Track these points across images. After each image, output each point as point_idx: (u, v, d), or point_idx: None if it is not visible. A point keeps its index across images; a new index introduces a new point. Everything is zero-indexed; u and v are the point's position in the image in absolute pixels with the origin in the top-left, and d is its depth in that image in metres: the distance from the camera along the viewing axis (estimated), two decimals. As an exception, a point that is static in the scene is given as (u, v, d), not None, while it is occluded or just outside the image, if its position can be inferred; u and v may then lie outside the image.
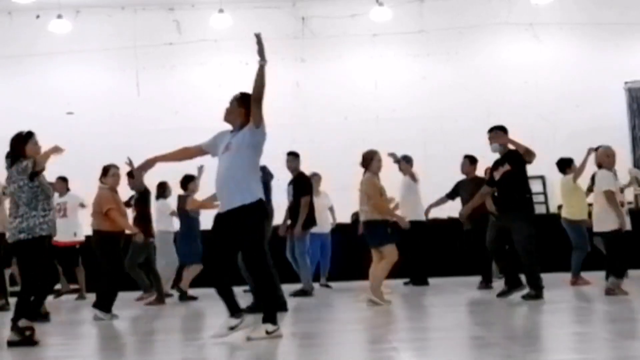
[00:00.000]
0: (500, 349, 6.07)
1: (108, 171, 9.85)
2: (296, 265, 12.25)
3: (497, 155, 9.95)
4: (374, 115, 15.77)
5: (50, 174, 8.04)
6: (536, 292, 9.47)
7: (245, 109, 7.33)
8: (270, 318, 6.93)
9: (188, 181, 12.23)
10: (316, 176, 13.57)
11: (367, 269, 12.47)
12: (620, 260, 9.81)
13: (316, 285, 13.40)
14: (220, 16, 16.02)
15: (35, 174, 7.28)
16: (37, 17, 16.24)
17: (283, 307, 9.06)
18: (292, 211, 12.00)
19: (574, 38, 16.39)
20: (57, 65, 16.10)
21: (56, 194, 12.72)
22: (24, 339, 7.08)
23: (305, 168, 13.16)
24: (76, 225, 12.91)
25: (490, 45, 16.51)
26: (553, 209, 15.18)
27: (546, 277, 13.16)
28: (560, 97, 16.01)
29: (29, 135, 7.50)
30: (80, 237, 12.94)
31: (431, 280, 12.98)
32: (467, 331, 7.64)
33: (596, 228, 10.10)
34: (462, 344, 6.71)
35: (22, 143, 7.43)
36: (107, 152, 14.57)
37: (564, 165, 12.22)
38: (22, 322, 7.14)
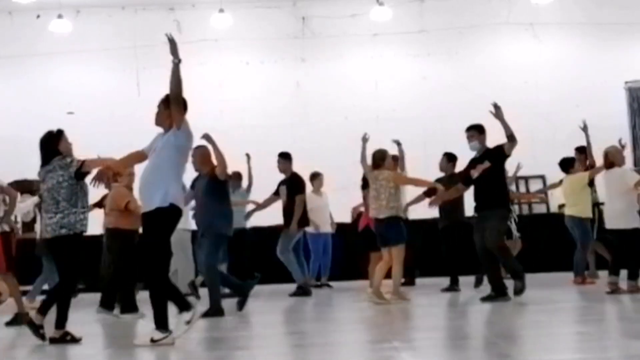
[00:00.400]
0: (500, 348, 6.07)
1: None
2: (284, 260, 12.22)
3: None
4: (374, 115, 15.76)
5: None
6: (522, 283, 9.46)
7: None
8: (158, 325, 6.78)
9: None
10: (319, 176, 13.58)
11: (366, 268, 12.55)
12: (637, 260, 9.82)
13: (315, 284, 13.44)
14: (221, 16, 16.02)
15: (82, 174, 7.38)
16: (38, 17, 16.23)
17: (220, 313, 9.15)
18: (286, 211, 12.05)
19: (574, 38, 16.38)
20: (57, 65, 16.10)
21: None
22: (63, 336, 7.21)
23: (306, 168, 13.17)
24: None
25: (490, 45, 16.50)
26: (553, 208, 15.17)
27: (547, 277, 13.21)
28: (560, 97, 16.00)
29: (60, 132, 7.59)
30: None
31: (418, 281, 13.01)
32: (467, 331, 7.65)
33: (613, 225, 10.10)
34: (463, 344, 6.72)
35: (56, 140, 7.51)
36: (107, 152, 14.58)
37: (567, 165, 12.23)
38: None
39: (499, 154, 9.81)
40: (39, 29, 16.09)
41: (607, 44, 16.18)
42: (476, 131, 10.04)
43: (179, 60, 7.08)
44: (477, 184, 9.91)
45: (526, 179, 15.57)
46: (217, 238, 9.31)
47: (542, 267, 13.79)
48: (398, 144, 11.78)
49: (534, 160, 13.64)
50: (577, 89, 15.99)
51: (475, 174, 9.90)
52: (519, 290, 9.45)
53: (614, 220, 10.06)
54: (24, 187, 13.13)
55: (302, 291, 11.88)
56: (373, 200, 10.13)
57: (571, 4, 16.38)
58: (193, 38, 16.16)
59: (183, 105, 7.11)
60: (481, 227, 9.81)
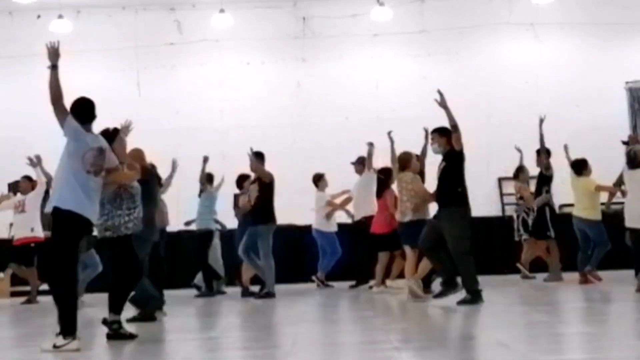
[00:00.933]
0: (500, 349, 6.07)
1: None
2: (247, 261, 12.00)
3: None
4: (374, 115, 15.76)
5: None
6: (472, 297, 9.10)
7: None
8: (62, 330, 6.62)
9: (243, 180, 12.29)
10: (323, 176, 13.60)
11: (366, 268, 12.56)
12: None
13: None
14: (221, 16, 16.01)
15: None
16: (38, 17, 16.23)
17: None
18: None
19: (574, 38, 16.38)
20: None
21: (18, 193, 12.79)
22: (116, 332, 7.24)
23: (306, 168, 13.19)
24: (34, 220, 12.49)
25: (490, 45, 16.50)
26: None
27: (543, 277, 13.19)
28: (560, 97, 15.99)
29: (116, 132, 7.59)
30: (38, 234, 12.47)
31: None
32: (467, 331, 7.65)
33: (635, 224, 10.10)
34: (463, 344, 6.71)
35: (108, 140, 7.36)
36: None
37: (581, 167, 12.19)
38: (110, 317, 7.26)
39: (455, 155, 9.58)
40: (39, 29, 16.07)
41: (607, 44, 16.18)
42: (437, 134, 9.91)
43: (53, 66, 7.36)
44: (437, 183, 9.71)
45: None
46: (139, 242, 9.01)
47: (543, 267, 13.77)
48: (370, 144, 11.89)
49: (534, 160, 13.61)
50: (577, 89, 15.99)
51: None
52: (466, 302, 9.08)
53: (637, 220, 10.06)
54: (17, 187, 13.17)
55: (268, 294, 11.67)
56: (398, 202, 10.19)
57: (572, 4, 16.38)
58: (193, 38, 16.19)
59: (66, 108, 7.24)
60: (433, 224, 9.60)
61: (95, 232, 7.50)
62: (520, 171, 13.48)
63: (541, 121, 12.37)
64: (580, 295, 10.78)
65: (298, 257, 14.05)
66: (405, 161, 10.46)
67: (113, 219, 7.31)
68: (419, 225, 10.03)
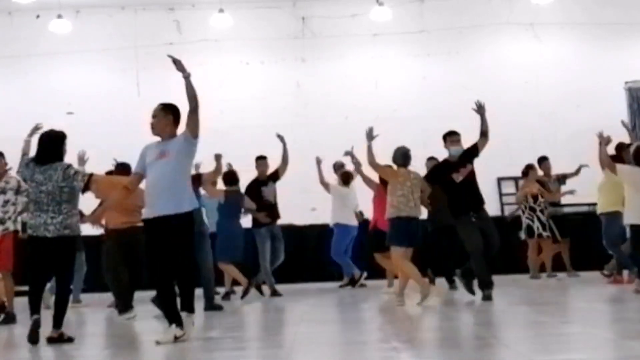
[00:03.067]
0: (500, 349, 6.07)
1: None
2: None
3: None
4: (374, 115, 15.65)
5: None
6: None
7: (173, 117, 7.44)
8: (177, 322, 6.97)
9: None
10: (341, 165, 13.55)
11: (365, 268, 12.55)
12: None
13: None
14: (221, 16, 16.01)
15: (85, 189, 7.49)
16: (38, 17, 16.23)
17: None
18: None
19: (574, 38, 16.38)
20: (57, 65, 16.10)
21: None
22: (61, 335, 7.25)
23: (306, 168, 13.16)
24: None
25: (490, 45, 16.50)
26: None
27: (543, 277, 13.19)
28: (560, 97, 16.00)
29: (65, 136, 7.56)
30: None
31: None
32: (467, 331, 7.65)
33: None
34: (463, 344, 6.71)
35: (61, 142, 7.49)
36: (107, 152, 14.55)
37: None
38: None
39: (474, 154, 9.99)
40: (39, 29, 16.09)
41: (607, 44, 16.18)
42: (459, 136, 10.25)
43: (189, 74, 7.42)
44: (465, 186, 9.85)
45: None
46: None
47: (542, 267, 13.77)
48: (348, 154, 11.96)
49: (534, 160, 13.63)
50: (577, 89, 15.99)
51: (459, 177, 9.88)
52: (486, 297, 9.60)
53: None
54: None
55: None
56: (404, 199, 9.95)
57: (572, 4, 16.38)
58: (193, 38, 16.19)
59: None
60: (485, 226, 9.81)
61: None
62: (531, 168, 13.42)
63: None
64: (581, 295, 10.78)
65: (298, 257, 14.03)
66: (408, 158, 10.28)
67: (71, 217, 7.36)
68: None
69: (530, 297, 10.71)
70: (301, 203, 13.90)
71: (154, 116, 7.36)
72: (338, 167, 13.47)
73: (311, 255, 14.04)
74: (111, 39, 16.16)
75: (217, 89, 16.02)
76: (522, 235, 13.19)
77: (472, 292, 9.93)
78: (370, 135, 10.01)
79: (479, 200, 9.95)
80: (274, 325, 8.98)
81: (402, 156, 10.08)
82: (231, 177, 12.15)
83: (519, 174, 13.81)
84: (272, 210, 12.25)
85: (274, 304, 11.12)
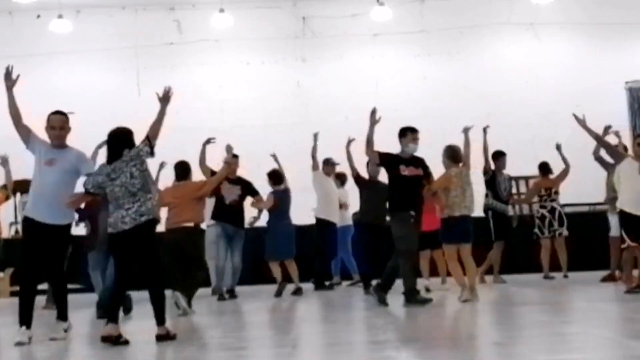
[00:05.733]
0: (500, 349, 6.07)
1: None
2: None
3: None
4: (374, 115, 15.75)
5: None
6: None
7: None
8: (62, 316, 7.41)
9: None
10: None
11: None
12: None
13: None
14: (221, 16, 16.02)
15: (153, 148, 7.51)
16: (38, 17, 16.24)
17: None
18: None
19: (574, 38, 16.39)
20: (57, 65, 16.10)
21: None
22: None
23: (306, 168, 13.16)
24: None
25: (491, 45, 16.51)
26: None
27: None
28: (560, 97, 15.99)
29: (130, 132, 7.65)
30: None
31: (419, 281, 12.99)
32: (467, 331, 7.65)
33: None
34: (463, 343, 6.71)
35: (130, 136, 7.60)
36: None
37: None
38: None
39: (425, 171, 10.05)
40: (39, 29, 16.10)
41: (607, 44, 16.19)
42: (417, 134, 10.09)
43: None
44: (410, 183, 9.74)
45: (526, 179, 15.55)
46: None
47: (540, 267, 13.77)
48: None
49: (534, 160, 13.61)
50: (577, 89, 15.99)
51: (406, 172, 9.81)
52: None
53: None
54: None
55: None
56: (460, 197, 9.89)
57: (572, 4, 16.38)
58: (193, 38, 16.20)
59: None
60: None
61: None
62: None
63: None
64: (581, 295, 10.78)
65: (298, 257, 14.02)
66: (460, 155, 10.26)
67: (145, 203, 7.32)
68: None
69: (531, 297, 10.71)
70: (301, 203, 13.88)
71: (60, 119, 7.74)
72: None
73: (311, 255, 14.01)
74: (111, 38, 16.16)
75: (217, 89, 16.04)
76: (562, 230, 13.01)
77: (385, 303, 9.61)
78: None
79: (420, 201, 9.68)
80: (274, 326, 8.98)
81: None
82: (277, 176, 12.31)
83: (518, 173, 13.80)
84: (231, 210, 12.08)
85: (274, 304, 11.12)
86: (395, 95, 16.18)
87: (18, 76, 7.65)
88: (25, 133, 7.69)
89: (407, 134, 9.85)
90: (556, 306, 9.44)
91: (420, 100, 16.12)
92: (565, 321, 8.03)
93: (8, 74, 7.68)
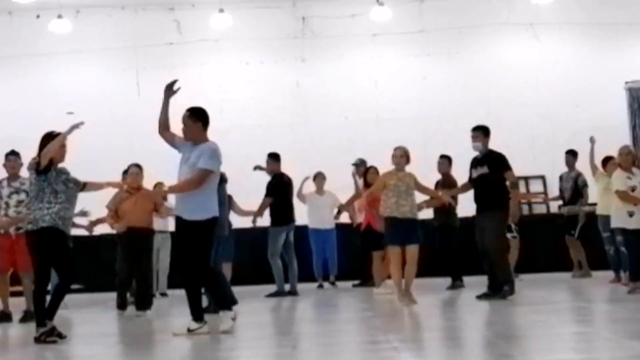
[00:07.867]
0: (500, 349, 6.07)
1: None
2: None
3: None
4: (374, 115, 15.77)
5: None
6: (510, 288, 9.75)
7: (202, 123, 7.86)
8: (195, 316, 7.35)
9: None
10: (320, 175, 13.65)
11: (364, 269, 12.53)
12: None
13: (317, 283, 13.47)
14: (221, 16, 16.01)
15: (44, 169, 7.39)
16: (38, 17, 16.23)
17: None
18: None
19: (574, 38, 16.38)
20: (57, 65, 16.10)
21: None
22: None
23: (305, 167, 13.18)
24: None
25: (490, 45, 16.50)
26: (554, 209, 15.17)
27: (547, 277, 13.21)
28: (560, 97, 16.00)
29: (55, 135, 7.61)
30: None
31: (419, 281, 13.01)
32: (467, 331, 7.65)
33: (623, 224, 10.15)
34: (463, 343, 6.71)
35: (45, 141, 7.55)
36: (107, 152, 14.58)
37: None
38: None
39: (499, 164, 10.02)
40: (39, 29, 16.09)
41: (607, 44, 16.18)
42: (481, 132, 10.16)
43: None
44: (476, 186, 10.05)
45: (526, 179, 15.55)
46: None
47: (542, 267, 13.80)
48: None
49: (534, 160, 13.65)
50: (577, 89, 15.99)
51: (474, 174, 10.07)
52: (507, 294, 9.68)
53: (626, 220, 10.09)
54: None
55: (278, 293, 12.09)
56: (395, 199, 9.91)
57: (571, 4, 16.38)
58: (193, 38, 16.20)
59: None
60: (480, 228, 9.96)
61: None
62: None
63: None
64: (581, 295, 10.79)
65: (298, 257, 14.03)
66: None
67: (34, 212, 7.38)
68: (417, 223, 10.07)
69: (531, 297, 10.71)
70: (299, 204, 13.88)
71: (184, 121, 7.64)
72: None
73: (311, 255, 14.03)
74: (111, 38, 16.16)
75: (217, 89, 16.03)
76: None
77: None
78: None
79: (479, 201, 10.18)
80: (274, 326, 8.98)
81: None
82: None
83: (518, 173, 13.74)
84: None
85: (275, 304, 11.12)
86: (394, 95, 16.19)
87: (179, 88, 7.75)
88: (170, 138, 7.87)
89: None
90: (554, 306, 9.45)
91: (420, 100, 16.12)
92: (564, 321, 8.03)
93: (171, 85, 7.77)
